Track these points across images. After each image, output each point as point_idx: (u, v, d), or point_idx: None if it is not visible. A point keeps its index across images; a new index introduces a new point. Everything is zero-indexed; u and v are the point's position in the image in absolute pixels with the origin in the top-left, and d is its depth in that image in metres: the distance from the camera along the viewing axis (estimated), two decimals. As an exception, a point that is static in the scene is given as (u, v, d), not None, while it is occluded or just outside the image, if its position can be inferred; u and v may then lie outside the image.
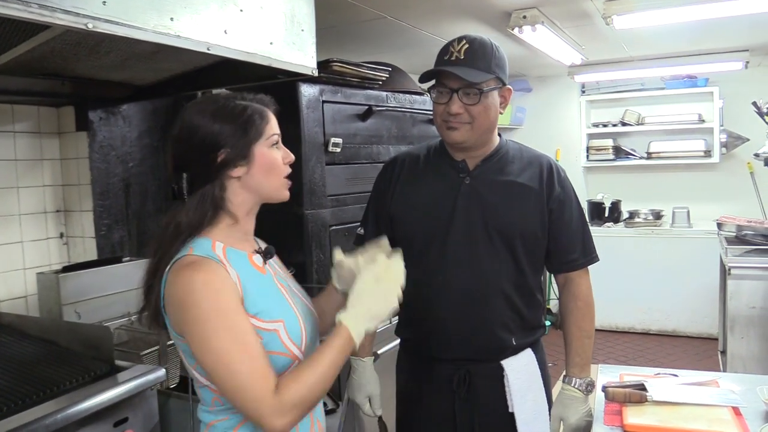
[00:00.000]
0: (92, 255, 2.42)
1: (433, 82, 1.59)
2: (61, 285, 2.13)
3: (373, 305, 1.18)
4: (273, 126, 1.20)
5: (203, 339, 1.06)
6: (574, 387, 1.59)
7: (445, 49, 1.57)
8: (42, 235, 2.38)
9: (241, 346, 1.06)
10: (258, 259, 1.22)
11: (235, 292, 1.10)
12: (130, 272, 2.25)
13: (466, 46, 1.52)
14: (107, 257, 2.41)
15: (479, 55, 1.52)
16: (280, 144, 1.22)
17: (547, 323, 1.75)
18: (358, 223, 1.77)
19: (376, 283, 1.20)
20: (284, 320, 1.16)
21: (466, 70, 1.50)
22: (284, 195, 1.23)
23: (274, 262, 1.30)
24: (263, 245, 1.28)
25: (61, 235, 2.44)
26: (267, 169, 1.18)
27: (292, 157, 1.23)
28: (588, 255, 1.67)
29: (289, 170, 1.23)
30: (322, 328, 1.36)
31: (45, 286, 2.18)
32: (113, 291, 2.25)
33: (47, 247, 2.39)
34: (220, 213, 1.16)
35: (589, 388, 1.60)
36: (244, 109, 1.16)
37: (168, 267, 1.12)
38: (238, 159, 1.14)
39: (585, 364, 1.63)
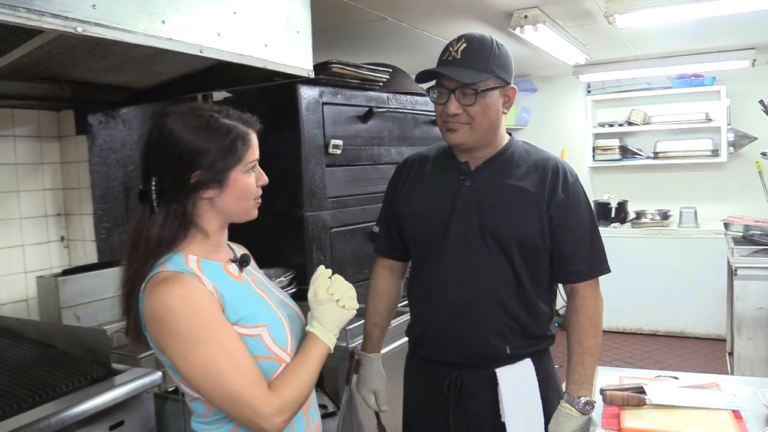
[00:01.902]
0: (93, 258, 2.43)
1: (434, 82, 1.57)
2: (60, 288, 2.14)
3: (336, 318, 1.23)
4: (254, 151, 1.19)
5: (187, 354, 1.06)
6: (570, 405, 1.51)
7: (445, 49, 1.54)
8: (43, 239, 2.39)
9: (227, 354, 1.06)
10: (233, 268, 1.22)
11: (213, 302, 1.10)
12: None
13: (464, 45, 1.49)
14: (107, 260, 2.41)
15: (476, 54, 1.49)
16: (257, 166, 1.21)
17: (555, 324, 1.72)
18: (360, 225, 1.77)
19: (331, 298, 1.24)
20: (267, 324, 1.16)
21: (460, 71, 1.47)
22: (252, 215, 1.23)
23: (253, 269, 1.29)
24: (240, 252, 1.28)
25: (62, 239, 2.45)
26: (239, 194, 1.17)
27: (265, 179, 1.23)
28: (595, 266, 1.56)
29: (260, 192, 1.22)
30: None
31: (44, 290, 2.20)
32: (113, 294, 2.20)
33: (48, 250, 2.40)
34: (191, 228, 1.16)
35: (587, 407, 1.49)
36: (228, 132, 1.14)
37: (143, 285, 1.11)
38: (212, 182, 1.14)
39: (585, 382, 1.52)
